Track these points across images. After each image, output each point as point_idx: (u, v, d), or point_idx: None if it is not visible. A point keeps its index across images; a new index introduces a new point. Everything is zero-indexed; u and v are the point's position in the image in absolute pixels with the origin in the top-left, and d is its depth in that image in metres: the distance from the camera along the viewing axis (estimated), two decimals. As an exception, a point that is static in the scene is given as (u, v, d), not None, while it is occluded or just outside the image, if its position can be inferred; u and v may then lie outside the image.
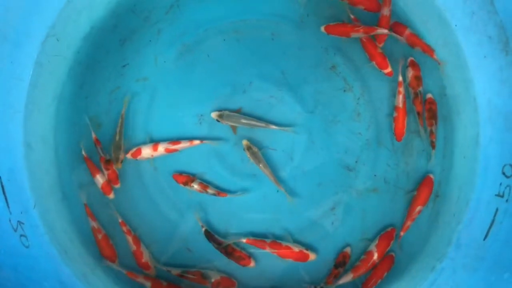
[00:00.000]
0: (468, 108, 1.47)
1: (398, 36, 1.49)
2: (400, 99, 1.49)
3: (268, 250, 1.46)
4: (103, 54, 1.54)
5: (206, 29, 1.56)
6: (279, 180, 1.51)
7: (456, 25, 1.45)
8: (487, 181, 1.40)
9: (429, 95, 1.51)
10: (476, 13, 1.40)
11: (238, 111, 1.51)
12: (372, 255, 1.46)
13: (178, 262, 1.51)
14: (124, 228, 1.48)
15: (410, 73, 1.50)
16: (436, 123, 1.49)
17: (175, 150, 1.49)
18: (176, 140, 1.50)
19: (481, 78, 1.43)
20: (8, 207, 1.35)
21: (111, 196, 1.50)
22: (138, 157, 1.48)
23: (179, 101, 1.52)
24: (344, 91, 1.54)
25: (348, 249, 1.49)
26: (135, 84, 1.54)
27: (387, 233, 1.48)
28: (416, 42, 1.49)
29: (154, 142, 1.51)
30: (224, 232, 1.51)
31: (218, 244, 1.46)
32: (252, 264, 1.48)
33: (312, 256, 1.46)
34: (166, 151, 1.49)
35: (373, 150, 1.53)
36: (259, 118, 1.51)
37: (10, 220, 1.35)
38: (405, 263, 1.49)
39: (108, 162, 1.47)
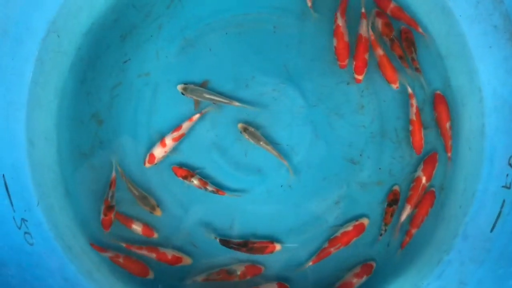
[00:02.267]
0: (473, 99, 1.45)
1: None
2: (413, 111, 1.47)
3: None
4: (104, 50, 1.53)
5: (208, 23, 1.54)
6: (283, 173, 1.51)
7: (460, 16, 1.43)
8: (493, 172, 1.38)
9: (402, 27, 1.49)
10: (481, 3, 1.38)
11: (204, 85, 1.49)
12: (421, 180, 1.46)
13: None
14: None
15: (379, 22, 1.48)
16: (415, 50, 1.47)
17: (182, 136, 1.48)
18: (175, 127, 1.49)
19: (486, 68, 1.41)
20: (12, 205, 1.35)
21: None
22: (156, 162, 1.48)
23: (181, 96, 1.50)
24: (348, 83, 1.53)
25: (396, 187, 1.49)
26: (137, 80, 1.53)
27: (430, 157, 1.48)
28: (401, 15, 1.48)
29: (159, 140, 1.49)
30: (227, 228, 1.50)
31: (237, 246, 1.46)
32: (278, 247, 1.46)
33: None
34: (174, 141, 1.47)
35: (378, 143, 1.51)
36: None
37: (14, 218, 1.34)
38: (411, 256, 1.47)
39: (110, 208, 1.44)
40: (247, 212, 1.51)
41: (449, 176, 1.50)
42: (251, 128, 1.48)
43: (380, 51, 1.48)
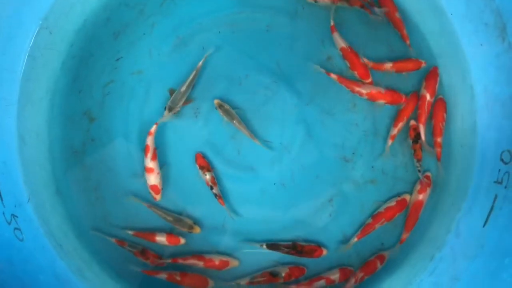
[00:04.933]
0: (465, 97, 1.47)
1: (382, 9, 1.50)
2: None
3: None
4: (96, 47, 1.52)
5: (201, 22, 1.54)
6: (276, 172, 1.50)
7: (452, 14, 1.45)
8: (486, 168, 1.39)
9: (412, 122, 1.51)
10: (472, 0, 1.39)
11: (171, 92, 1.48)
12: (425, 97, 1.47)
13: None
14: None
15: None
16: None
17: (155, 150, 1.46)
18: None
19: (478, 66, 1.42)
20: (2, 200, 1.33)
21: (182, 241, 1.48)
22: (160, 187, 1.46)
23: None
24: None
25: (412, 121, 1.48)
26: (129, 78, 1.52)
27: (431, 73, 1.48)
28: (399, 26, 1.50)
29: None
30: (220, 227, 1.49)
31: (287, 248, 1.45)
32: (325, 252, 1.46)
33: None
34: (154, 160, 1.44)
35: (370, 141, 1.51)
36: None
37: (4, 214, 1.32)
38: (404, 253, 1.48)
39: (143, 252, 1.44)
40: (240, 210, 1.50)
41: (442, 174, 1.50)
42: (226, 106, 1.47)
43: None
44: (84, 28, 1.50)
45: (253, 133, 1.49)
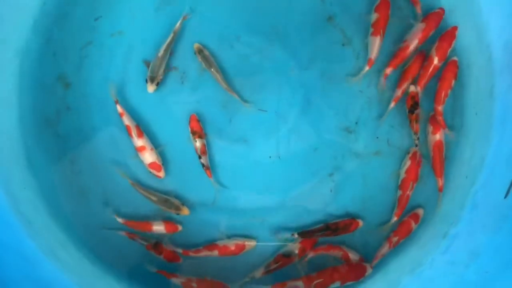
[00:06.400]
0: (481, 58, 1.35)
1: None
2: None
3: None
4: (72, 5, 1.40)
5: (188, -22, 1.42)
6: (271, 143, 1.40)
7: (467, -36, 1.33)
8: (505, 135, 1.29)
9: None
10: None
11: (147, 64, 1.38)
12: (432, 60, 1.36)
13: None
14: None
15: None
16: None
17: (137, 126, 1.36)
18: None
19: (496, 21, 1.30)
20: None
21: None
22: (160, 162, 1.36)
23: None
24: (343, 45, 1.42)
25: (413, 88, 1.36)
26: (109, 39, 1.41)
27: (446, 34, 1.36)
28: None
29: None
30: (209, 203, 1.39)
31: (321, 231, 1.36)
32: (360, 223, 1.37)
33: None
34: (140, 136, 1.34)
35: (375, 109, 1.41)
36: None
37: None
38: (416, 232, 1.38)
39: (156, 246, 1.33)
40: (233, 185, 1.40)
41: (454, 145, 1.40)
42: (206, 52, 1.37)
43: None
44: (57, -17, 1.38)
45: (247, 101, 1.39)
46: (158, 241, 1.34)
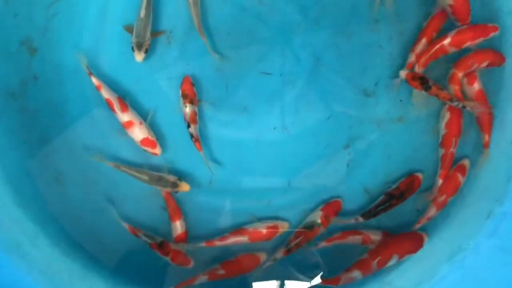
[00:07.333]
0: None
1: None
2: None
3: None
4: (35, -45, 1.25)
5: None
6: (276, 112, 1.28)
7: None
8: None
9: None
10: None
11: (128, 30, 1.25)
12: (445, 39, 1.23)
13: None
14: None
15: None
16: None
17: (120, 98, 1.23)
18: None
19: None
20: None
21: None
22: (154, 138, 1.23)
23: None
24: (357, -6, 1.28)
25: (402, 73, 1.25)
26: (80, -4, 1.27)
27: (481, 27, 1.23)
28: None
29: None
30: (207, 183, 1.29)
31: (384, 206, 1.26)
32: (420, 176, 1.28)
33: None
34: (125, 110, 1.21)
35: (398, 67, 1.27)
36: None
37: None
38: (446, 212, 1.26)
39: (162, 245, 1.23)
40: (232, 163, 1.29)
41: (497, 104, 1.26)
42: None
43: None
44: None
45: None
46: (165, 240, 1.25)
